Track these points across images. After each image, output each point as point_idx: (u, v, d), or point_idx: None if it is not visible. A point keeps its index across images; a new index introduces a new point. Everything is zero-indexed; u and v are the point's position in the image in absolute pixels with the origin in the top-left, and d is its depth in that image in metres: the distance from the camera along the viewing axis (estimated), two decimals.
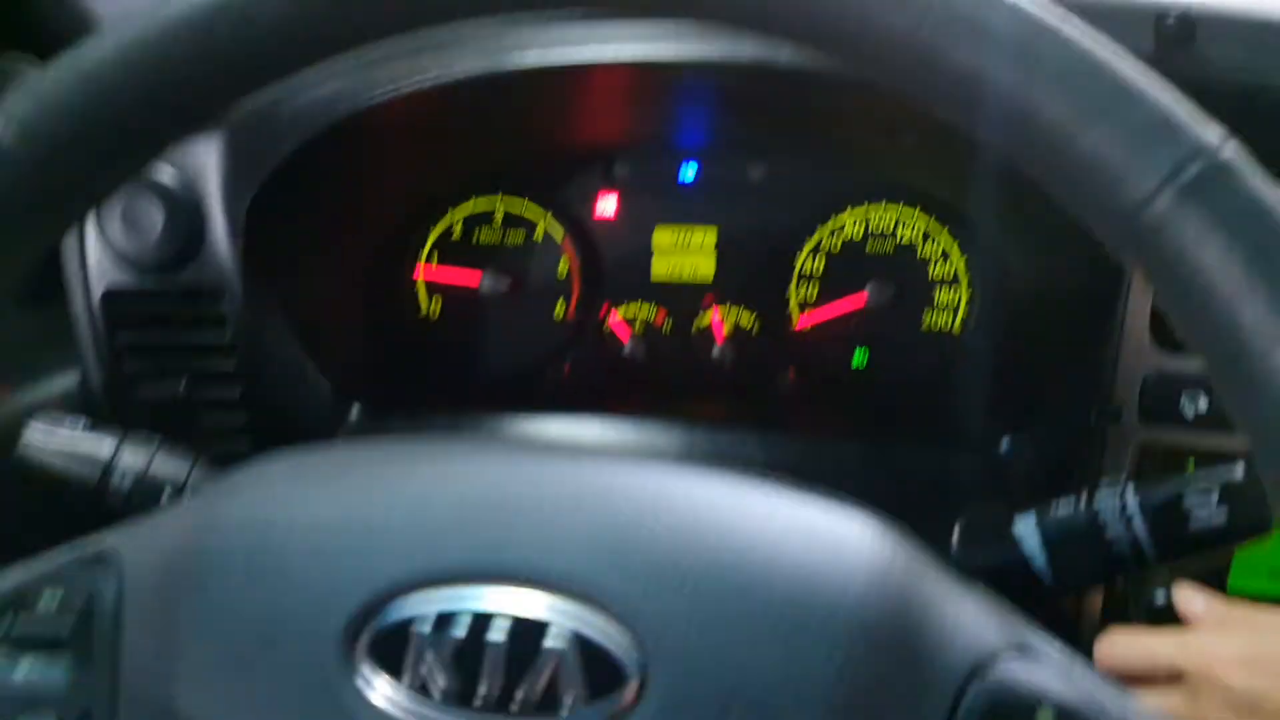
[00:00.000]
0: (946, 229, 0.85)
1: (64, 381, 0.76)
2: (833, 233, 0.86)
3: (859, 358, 0.87)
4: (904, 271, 0.85)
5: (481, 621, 0.34)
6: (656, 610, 0.34)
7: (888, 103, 0.70)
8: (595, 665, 0.34)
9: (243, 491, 0.39)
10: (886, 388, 0.85)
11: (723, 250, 0.87)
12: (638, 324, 0.89)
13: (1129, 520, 0.47)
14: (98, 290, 0.72)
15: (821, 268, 0.87)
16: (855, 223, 0.86)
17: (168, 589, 0.37)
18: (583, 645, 0.34)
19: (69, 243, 0.74)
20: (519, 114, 0.77)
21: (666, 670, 0.33)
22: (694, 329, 0.88)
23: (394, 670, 0.34)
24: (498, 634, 0.34)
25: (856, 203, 0.86)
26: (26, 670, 0.37)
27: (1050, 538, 0.49)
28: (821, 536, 0.37)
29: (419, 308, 0.90)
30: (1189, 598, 0.66)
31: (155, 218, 0.68)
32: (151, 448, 0.55)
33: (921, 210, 0.85)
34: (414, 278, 0.89)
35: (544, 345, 0.89)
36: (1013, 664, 0.35)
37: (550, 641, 0.34)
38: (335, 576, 0.35)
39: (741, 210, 0.86)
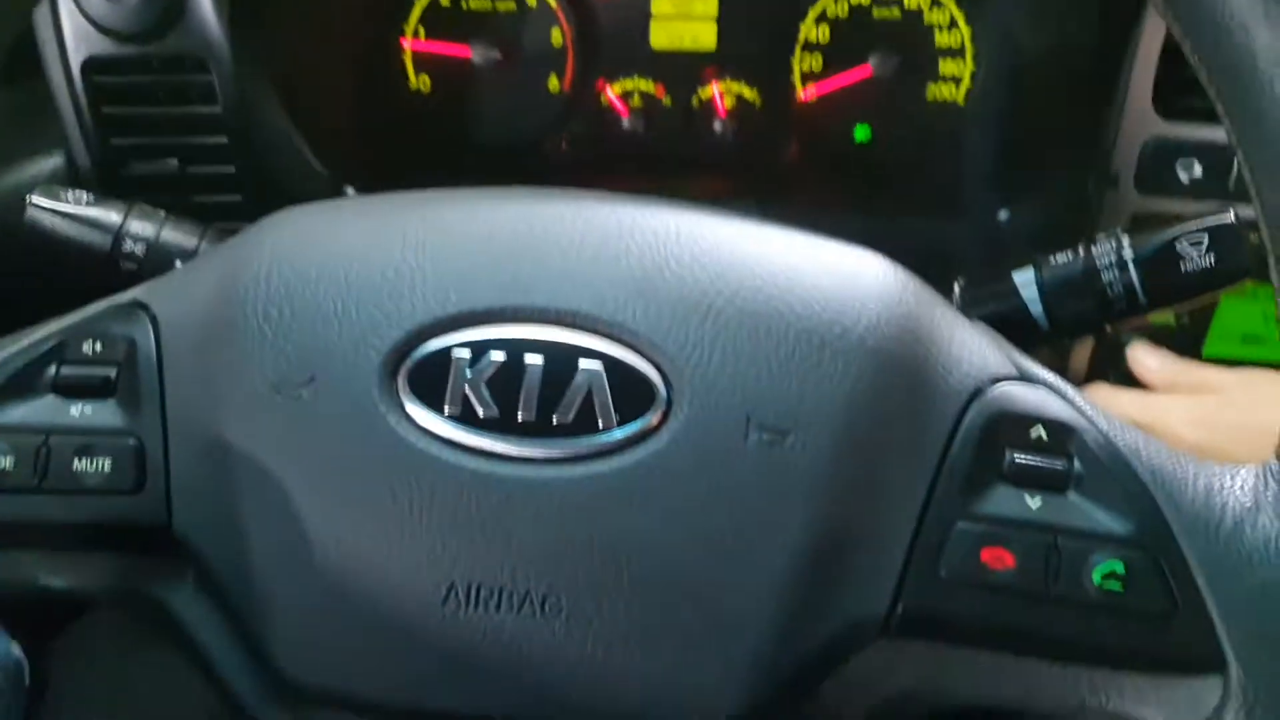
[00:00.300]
0: None
1: (49, 163, 0.75)
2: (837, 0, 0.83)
3: (862, 132, 0.86)
4: (909, 41, 0.83)
5: (517, 352, 0.36)
6: (680, 338, 0.35)
7: None
8: (625, 390, 0.35)
9: (273, 238, 0.40)
10: (889, 161, 0.85)
11: (724, 18, 0.84)
12: (636, 97, 0.87)
13: (1123, 266, 0.48)
14: (76, 60, 0.69)
15: (826, 36, 0.84)
16: None
17: (206, 334, 0.38)
18: (613, 371, 0.35)
19: (41, 13, 0.70)
20: None
21: (691, 392, 0.35)
22: (695, 103, 0.86)
23: (432, 402, 0.36)
24: (533, 363, 0.35)
25: None
26: (79, 413, 0.38)
27: (1047, 285, 0.50)
28: (836, 270, 0.38)
29: (408, 81, 0.87)
30: (1142, 358, 0.69)
31: None
32: (160, 216, 0.55)
33: None
34: (400, 50, 0.86)
35: (539, 120, 0.87)
36: (1011, 387, 0.37)
37: (583, 369, 0.35)
38: (373, 313, 0.36)
39: None
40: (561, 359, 0.36)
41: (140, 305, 0.40)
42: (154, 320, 0.40)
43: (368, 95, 0.85)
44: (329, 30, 0.79)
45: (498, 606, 0.35)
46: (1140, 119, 0.71)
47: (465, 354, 0.36)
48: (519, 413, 0.35)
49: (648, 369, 0.35)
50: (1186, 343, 0.79)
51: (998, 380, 0.37)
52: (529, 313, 0.36)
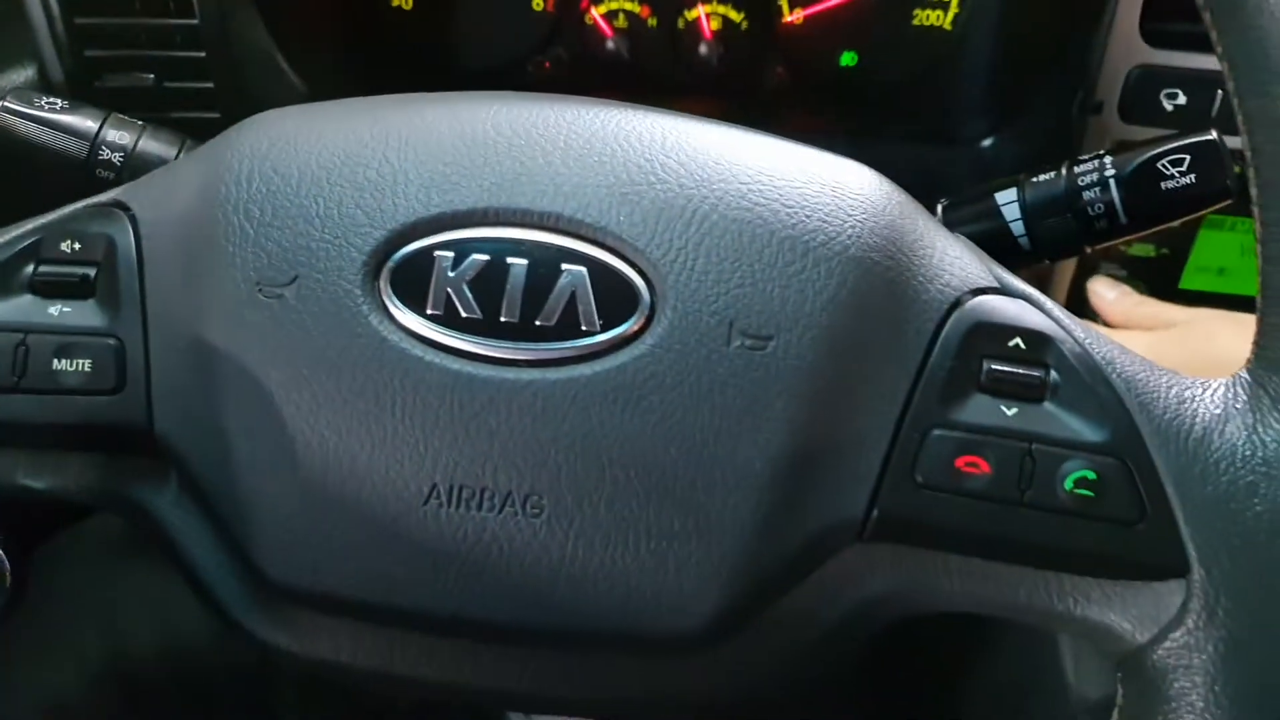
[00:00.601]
0: None
1: (20, 75, 0.73)
2: None
3: (848, 58, 0.85)
4: None
5: (500, 254, 0.36)
6: (664, 243, 0.35)
7: None
8: (608, 294, 0.35)
9: (253, 139, 0.39)
10: (875, 86, 0.84)
11: None
12: (621, 18, 0.85)
13: (1105, 184, 0.49)
14: None
15: None
16: None
17: (187, 233, 0.38)
18: (596, 275, 0.35)
19: None
20: None
21: (675, 297, 0.35)
22: (680, 24, 0.85)
23: (415, 303, 0.36)
24: (517, 265, 0.35)
25: None
26: (58, 312, 0.38)
27: (1029, 205, 0.50)
28: (821, 178, 0.38)
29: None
30: (1100, 290, 0.70)
31: None
32: (138, 126, 0.54)
33: None
34: None
35: (523, 39, 0.86)
36: (990, 299, 0.37)
37: (566, 271, 0.35)
38: (355, 213, 0.36)
39: None
40: (545, 262, 0.36)
41: (119, 205, 0.40)
42: (133, 220, 0.39)
43: (348, 10, 0.83)
44: None
45: (479, 506, 0.35)
46: (1126, 46, 0.71)
47: (448, 255, 0.36)
48: (501, 315, 0.35)
49: (631, 274, 0.36)
50: (1164, 274, 0.79)
51: (978, 292, 0.38)
52: (512, 215, 0.36)
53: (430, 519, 0.35)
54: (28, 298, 0.39)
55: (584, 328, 0.35)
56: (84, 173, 0.53)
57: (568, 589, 0.35)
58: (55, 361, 0.38)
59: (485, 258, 0.36)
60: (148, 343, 0.38)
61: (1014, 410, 0.36)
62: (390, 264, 0.36)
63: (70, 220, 0.40)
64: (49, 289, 0.39)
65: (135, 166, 0.53)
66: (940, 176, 0.77)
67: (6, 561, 0.40)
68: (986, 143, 0.75)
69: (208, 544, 0.39)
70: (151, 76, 0.72)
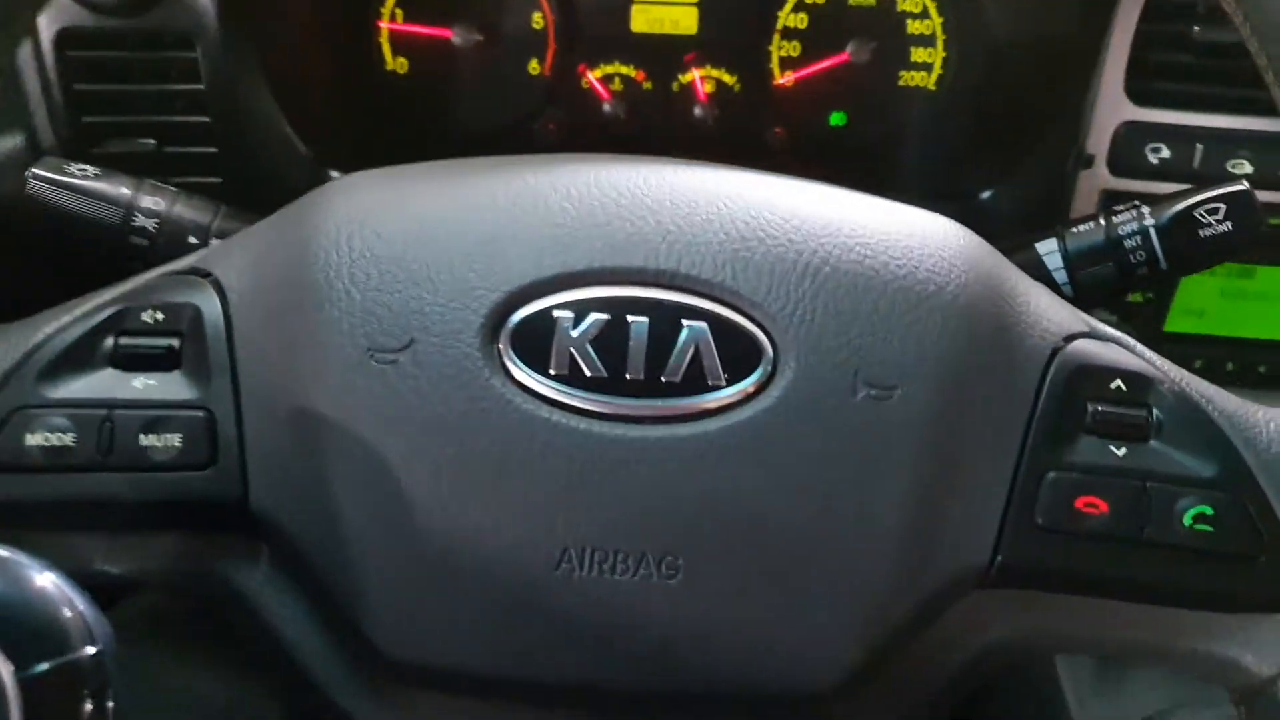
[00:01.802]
0: None
1: (7, 143, 0.70)
2: None
3: (838, 118, 0.88)
4: (883, 29, 0.85)
5: (620, 312, 0.35)
6: (782, 296, 0.36)
7: None
8: (730, 349, 0.35)
9: (345, 202, 0.38)
10: (865, 145, 0.87)
11: (705, 3, 0.85)
12: (617, 81, 0.87)
13: (1145, 233, 0.51)
14: (49, 33, 0.66)
15: (804, 23, 0.85)
16: None
17: (282, 300, 0.37)
18: (718, 330, 0.35)
19: None
20: None
21: (797, 349, 0.35)
22: (675, 87, 0.87)
23: (537, 363, 0.35)
24: (638, 322, 0.35)
25: None
26: (143, 385, 0.36)
27: (1071, 254, 0.52)
28: (916, 230, 0.39)
29: (385, 63, 0.85)
30: None
31: None
32: (171, 192, 0.53)
33: None
34: (377, 31, 0.84)
35: (520, 104, 0.86)
36: (1086, 343, 0.38)
37: (687, 328, 0.35)
38: (469, 276, 0.35)
39: None
40: (665, 318, 0.35)
41: (201, 272, 0.38)
42: (219, 287, 0.38)
43: (346, 77, 0.82)
44: (309, 8, 0.77)
45: (613, 569, 0.34)
46: (1113, 104, 0.74)
47: (567, 315, 0.35)
48: (627, 372, 0.35)
49: (751, 328, 0.36)
50: (1151, 318, 0.83)
51: (1073, 337, 0.39)
52: (628, 273, 0.36)
53: (562, 585, 0.34)
54: (109, 371, 0.37)
55: (710, 382, 0.35)
56: (118, 240, 0.51)
57: (705, 650, 0.34)
58: (143, 437, 0.36)
59: (605, 316, 0.35)
60: (240, 414, 0.36)
61: (1123, 450, 0.37)
62: (509, 326, 0.35)
63: (150, 290, 0.38)
64: (132, 361, 0.37)
65: (170, 233, 0.51)
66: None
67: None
68: (985, 195, 0.78)
69: (305, 623, 0.37)
70: (153, 141, 0.70)
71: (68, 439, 0.35)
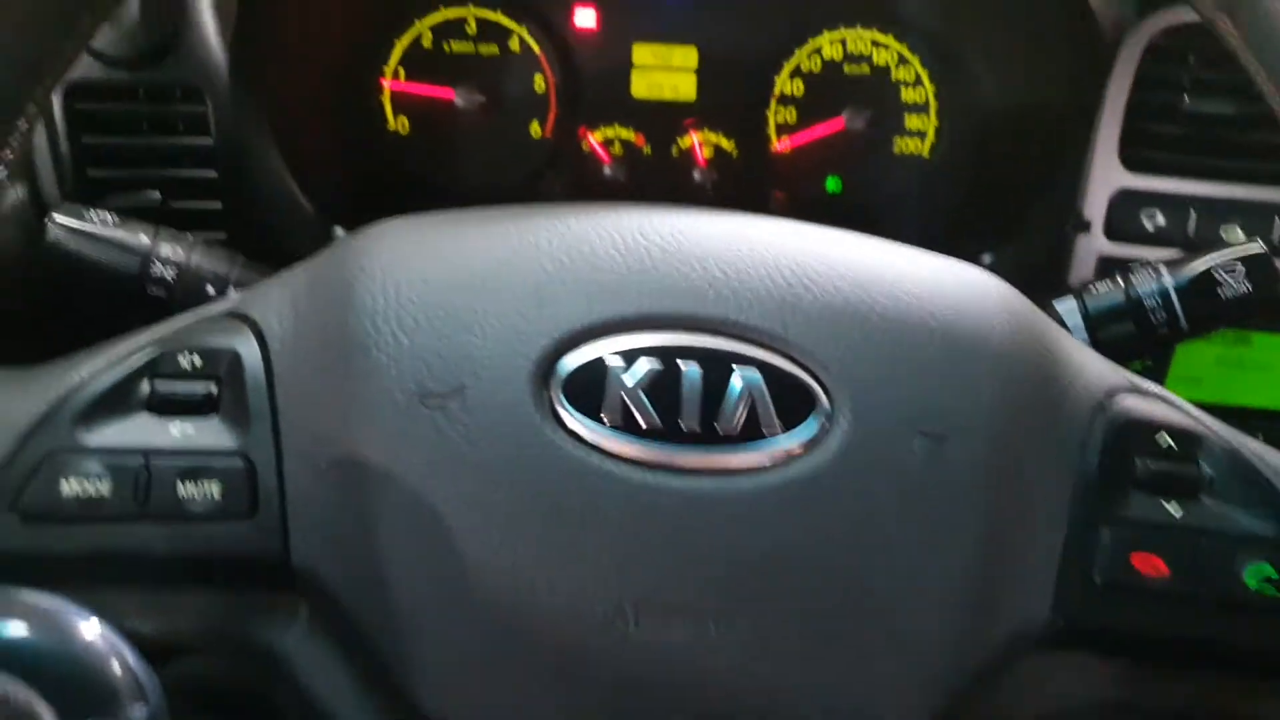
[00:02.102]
0: (919, 55, 0.87)
1: (9, 196, 0.69)
2: (811, 55, 0.87)
3: (833, 183, 0.89)
4: (877, 96, 0.87)
5: (672, 359, 0.35)
6: (834, 345, 0.35)
7: None
8: (784, 398, 0.35)
9: (387, 247, 0.37)
10: (863, 210, 0.88)
11: (704, 70, 0.87)
12: (617, 145, 0.88)
13: (1165, 293, 0.52)
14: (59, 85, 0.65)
15: (800, 91, 0.87)
16: (832, 45, 0.87)
17: (324, 344, 0.36)
18: (771, 379, 0.35)
19: None
20: None
21: (853, 399, 0.35)
22: (675, 152, 0.88)
23: (589, 411, 0.34)
24: (690, 370, 0.35)
25: (834, 25, 0.86)
26: (180, 432, 0.35)
27: (1091, 314, 0.53)
28: (960, 281, 0.39)
29: (386, 122, 0.85)
30: None
31: (132, 2, 0.61)
32: (189, 241, 0.52)
33: (895, 36, 0.86)
34: (380, 90, 0.85)
35: (521, 166, 0.87)
36: (1130, 398, 0.39)
37: (740, 376, 0.35)
38: (518, 322, 0.35)
39: (723, 28, 0.85)
40: (718, 366, 0.35)
41: (240, 316, 0.37)
42: (258, 331, 0.37)
43: (349, 135, 0.82)
44: (315, 65, 0.77)
45: (669, 625, 0.33)
46: (1108, 172, 0.76)
47: (619, 362, 0.35)
48: (681, 421, 0.34)
49: (804, 376, 0.35)
50: None
51: (1117, 391, 0.39)
52: (678, 320, 0.36)
53: (616, 641, 0.33)
54: (144, 416, 0.35)
55: (765, 432, 0.35)
56: (135, 289, 0.50)
57: (763, 711, 0.33)
58: (180, 485, 0.34)
59: (658, 364, 0.35)
60: (281, 462, 0.35)
61: (1176, 506, 0.37)
62: (560, 372, 0.35)
63: (187, 333, 0.37)
64: (169, 406, 0.36)
65: (188, 282, 0.50)
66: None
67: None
68: (986, 260, 0.79)
69: (346, 683, 0.35)
70: (158, 195, 0.69)
71: (103, 487, 0.33)
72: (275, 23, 0.68)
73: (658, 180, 0.88)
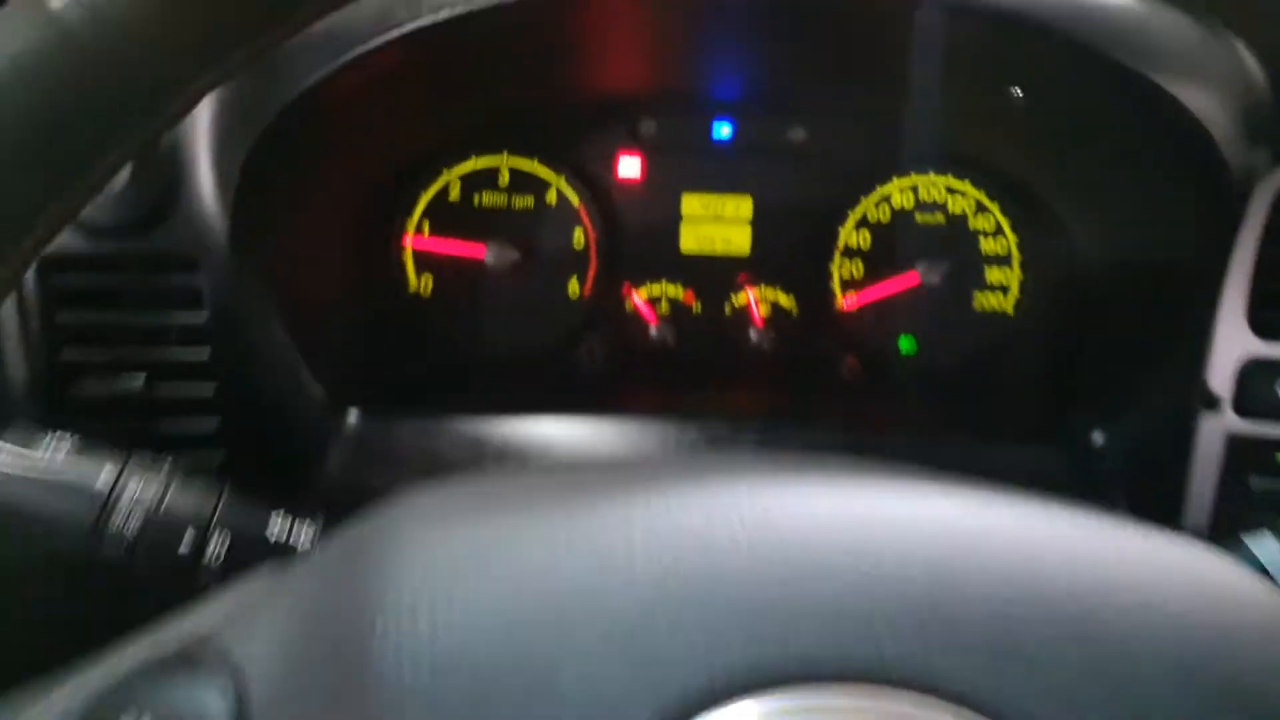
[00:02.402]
0: (998, 202, 0.78)
1: None
2: (879, 204, 0.78)
3: (907, 343, 0.79)
4: (954, 248, 0.78)
5: None
6: (1017, 696, 0.24)
7: (946, 58, 0.63)
8: None
9: (415, 555, 0.27)
10: (943, 374, 0.78)
11: (759, 221, 0.78)
12: (664, 304, 0.78)
13: None
14: None
15: (868, 242, 0.78)
16: (903, 193, 0.78)
17: (328, 702, 0.25)
18: None
19: None
20: (528, 56, 0.65)
21: None
22: (728, 310, 0.79)
23: None
24: None
25: (904, 171, 0.78)
26: None
27: None
28: (1189, 584, 0.28)
29: (407, 284, 0.76)
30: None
31: None
32: (162, 472, 0.42)
33: (973, 182, 0.78)
34: (401, 248, 0.76)
35: (558, 327, 0.78)
36: None
37: None
38: (611, 683, 0.24)
39: (780, 176, 0.77)
40: None
41: (208, 658, 0.27)
42: (236, 679, 0.26)
43: (364, 301, 0.73)
44: (326, 226, 0.68)
45: None
46: (1234, 338, 0.66)
47: None
48: None
49: None
50: None
51: None
52: (833, 667, 0.25)
53: None
54: None
55: None
56: (89, 542, 0.39)
57: None
58: None
59: None
60: None
61: None
62: None
63: (131, 684, 0.26)
64: None
65: (159, 532, 0.40)
66: (1043, 479, 0.69)
67: None
68: (1098, 440, 0.68)
69: None
70: (141, 379, 0.59)
71: None
72: (286, 179, 0.60)
73: (710, 342, 0.79)
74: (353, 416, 0.65)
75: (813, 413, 0.72)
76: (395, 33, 0.55)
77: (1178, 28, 0.55)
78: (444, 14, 0.54)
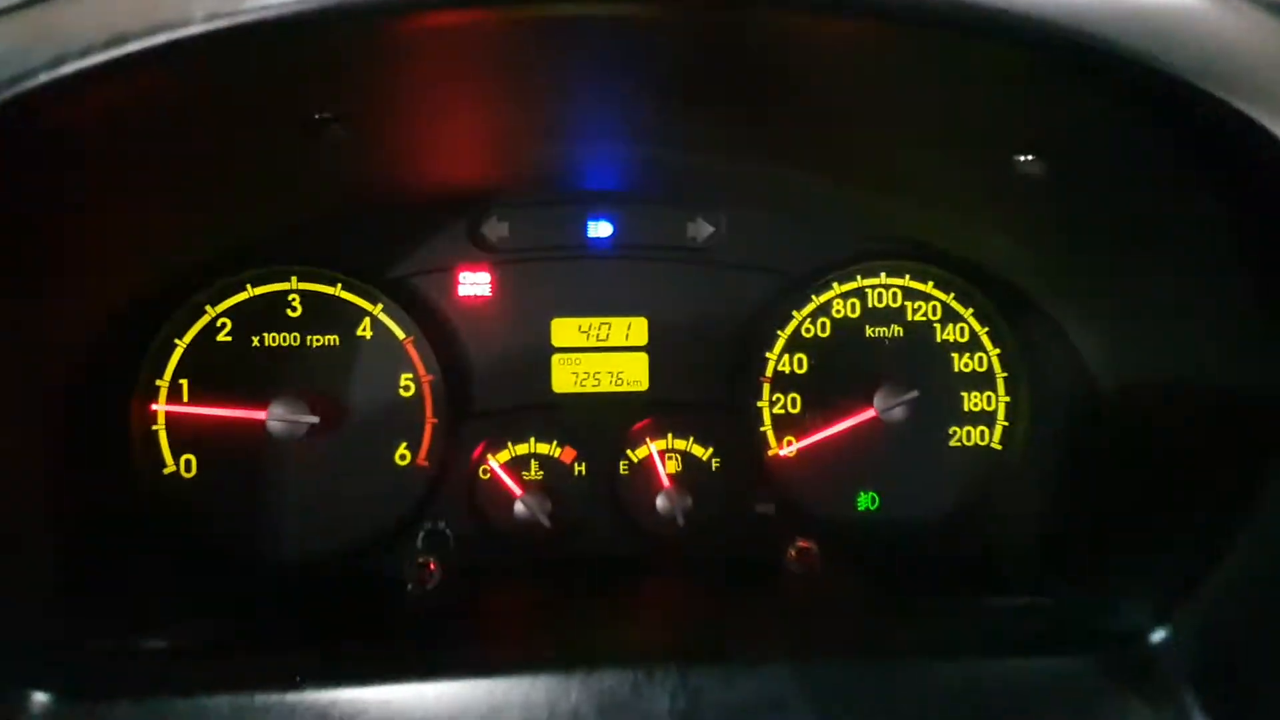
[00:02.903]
0: (970, 306, 0.60)
1: None
2: (816, 317, 0.59)
3: (866, 500, 0.59)
4: (920, 367, 0.60)
5: None
6: None
7: (911, 103, 0.43)
8: None
9: None
10: (913, 538, 0.58)
11: (657, 348, 0.60)
12: (534, 467, 0.57)
13: None
14: None
15: (804, 368, 0.59)
16: (846, 301, 0.59)
17: None
18: None
19: None
20: (325, 128, 0.43)
21: None
22: (624, 468, 0.58)
23: None
24: None
25: (847, 267, 0.60)
26: None
27: None
28: None
29: (159, 463, 0.54)
30: None
31: None
32: None
33: (937, 283, 0.60)
34: (148, 420, 0.53)
35: (378, 520, 0.57)
36: None
37: None
38: None
39: (681, 287, 0.60)
40: None
41: None
42: None
43: (75, 508, 0.49)
44: (27, 410, 0.45)
45: None
46: None
47: None
48: None
49: None
50: None
51: None
52: None
53: None
54: None
55: None
56: None
57: None
58: None
59: None
60: None
61: None
62: None
63: None
64: None
65: None
66: (1090, 695, 0.48)
67: None
68: (1158, 637, 0.48)
69: None
70: None
71: None
72: None
73: (597, 516, 0.58)
74: (38, 703, 0.41)
75: (749, 629, 0.50)
76: (130, 47, 0.31)
77: (1264, 32, 0.35)
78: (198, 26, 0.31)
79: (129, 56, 0.29)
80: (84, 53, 0.30)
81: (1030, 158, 0.42)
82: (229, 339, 0.55)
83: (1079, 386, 0.58)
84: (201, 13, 0.29)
